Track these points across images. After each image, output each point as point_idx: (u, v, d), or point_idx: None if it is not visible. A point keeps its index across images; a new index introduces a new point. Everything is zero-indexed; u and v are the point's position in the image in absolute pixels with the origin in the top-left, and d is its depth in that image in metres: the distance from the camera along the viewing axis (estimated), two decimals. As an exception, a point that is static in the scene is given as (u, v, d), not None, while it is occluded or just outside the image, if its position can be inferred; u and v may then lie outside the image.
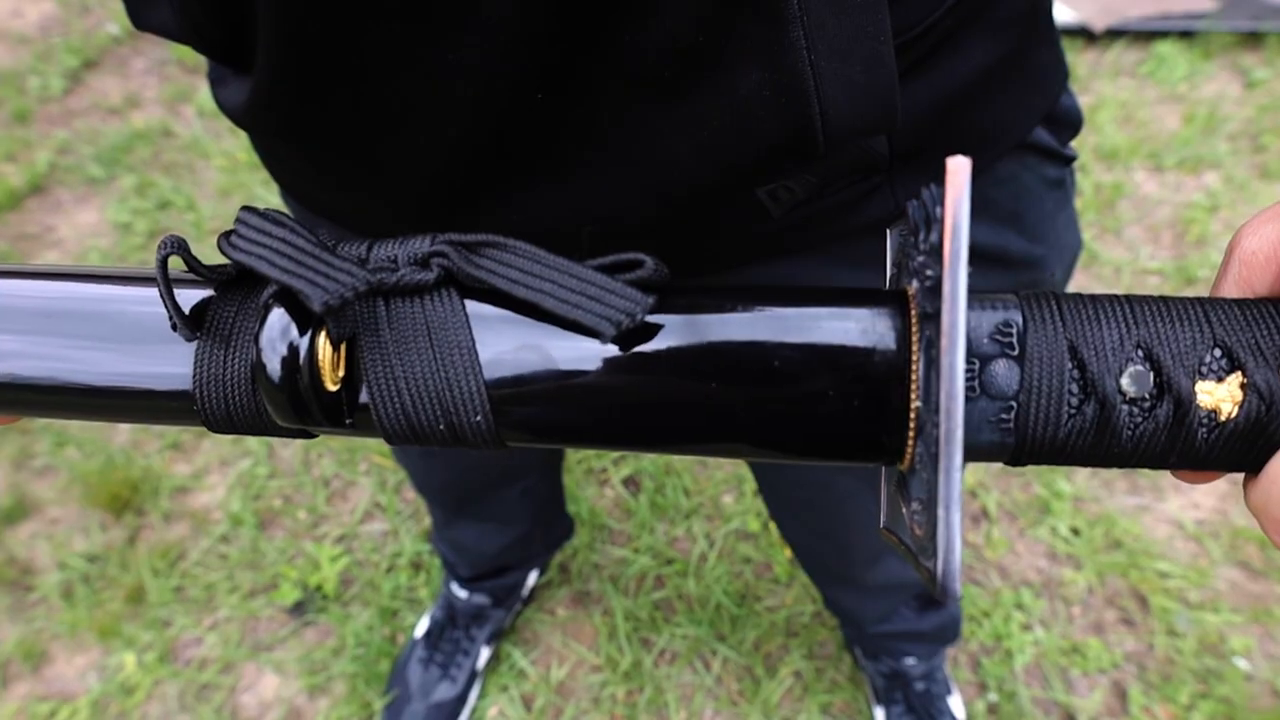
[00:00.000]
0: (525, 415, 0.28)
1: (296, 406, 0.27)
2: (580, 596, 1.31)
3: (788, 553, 1.32)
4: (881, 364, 0.26)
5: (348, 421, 0.28)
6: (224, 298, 0.29)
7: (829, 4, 0.33)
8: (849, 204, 0.46)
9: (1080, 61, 2.09)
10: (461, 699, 1.19)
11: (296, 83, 0.39)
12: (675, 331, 0.27)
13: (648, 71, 0.35)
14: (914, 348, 0.26)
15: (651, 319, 0.27)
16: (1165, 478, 1.38)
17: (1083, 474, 1.40)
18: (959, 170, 0.23)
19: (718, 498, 1.40)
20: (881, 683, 1.15)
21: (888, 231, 0.30)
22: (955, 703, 1.16)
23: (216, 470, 1.47)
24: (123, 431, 1.51)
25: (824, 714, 1.19)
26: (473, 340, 0.27)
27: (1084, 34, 2.16)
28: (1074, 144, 0.56)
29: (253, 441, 1.49)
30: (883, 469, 0.30)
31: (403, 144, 0.40)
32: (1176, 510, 1.35)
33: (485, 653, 1.22)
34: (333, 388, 0.28)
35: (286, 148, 0.48)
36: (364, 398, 0.28)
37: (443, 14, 0.33)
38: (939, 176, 0.24)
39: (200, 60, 2.16)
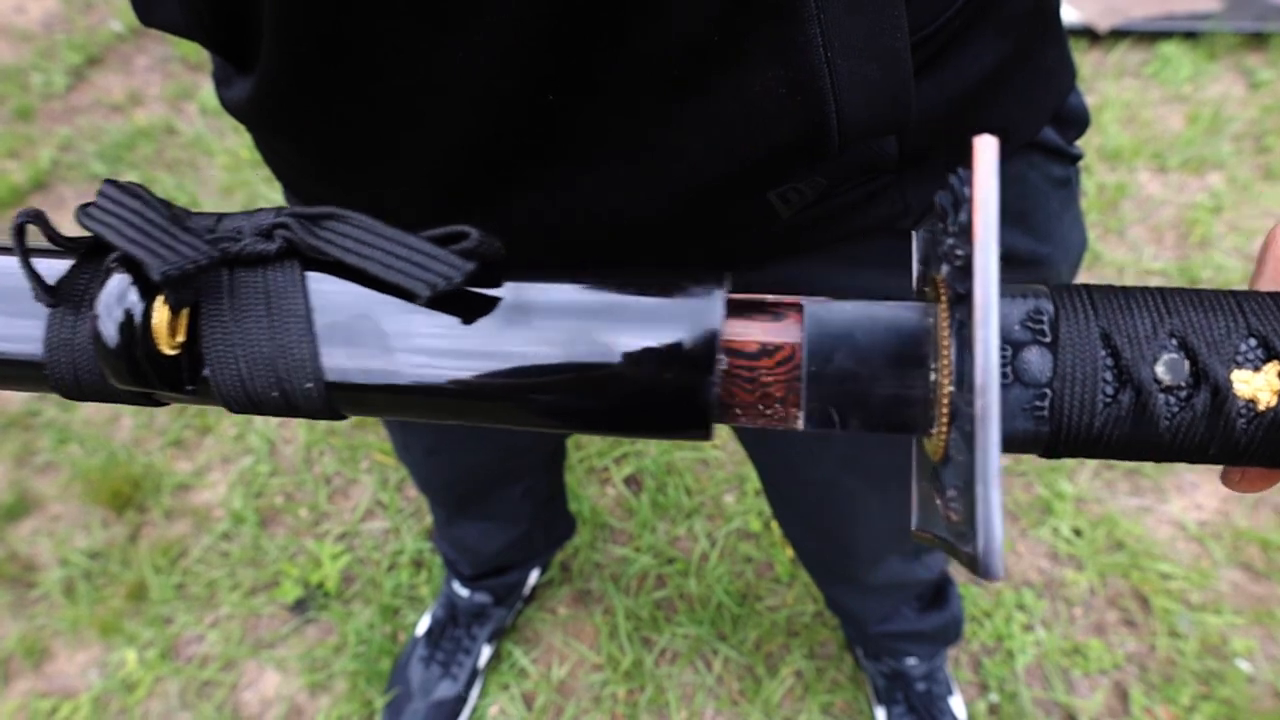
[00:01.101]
0: (355, 384, 0.29)
1: (132, 369, 0.28)
2: (581, 595, 1.31)
3: (789, 552, 1.32)
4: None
5: (188, 388, 0.29)
6: (81, 267, 0.31)
7: (845, 2, 0.33)
8: (856, 205, 0.46)
9: (1084, 62, 2.09)
10: (463, 697, 1.19)
11: (302, 80, 0.39)
12: (497, 305, 0.28)
13: (660, 70, 0.35)
14: (944, 333, 0.26)
15: (488, 292, 0.28)
16: (1167, 478, 1.38)
17: (1085, 475, 1.39)
18: (987, 147, 0.23)
19: (719, 497, 1.40)
20: (883, 683, 1.15)
21: (913, 234, 0.30)
22: (956, 703, 1.16)
23: (218, 468, 1.47)
24: (125, 429, 1.51)
25: (825, 714, 1.19)
26: (309, 309, 0.28)
27: (1088, 34, 2.16)
28: (1078, 143, 0.56)
29: (254, 439, 1.49)
30: (913, 472, 0.30)
31: (410, 143, 0.40)
32: (1179, 511, 1.35)
33: (486, 651, 1.22)
34: (170, 352, 0.28)
35: (291, 145, 0.47)
36: (205, 365, 0.29)
37: (452, 12, 0.33)
38: (965, 160, 0.24)
39: (203, 57, 2.16)
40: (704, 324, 0.27)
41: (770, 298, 0.28)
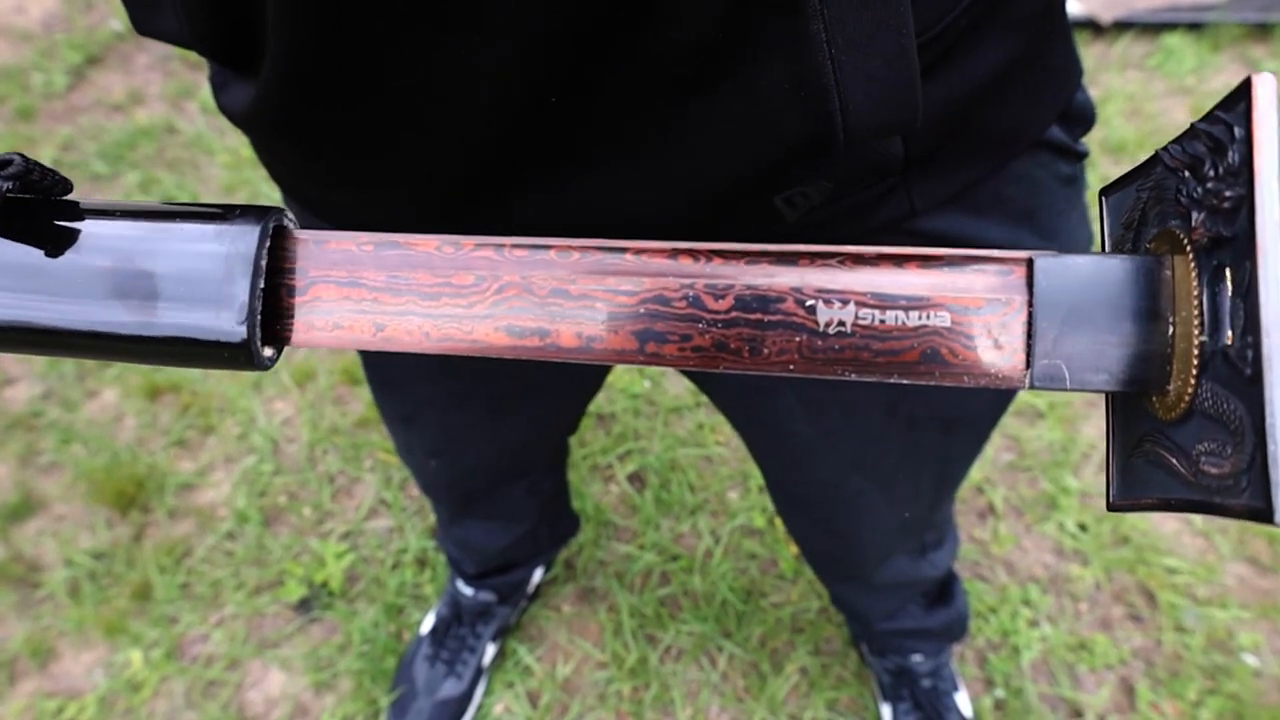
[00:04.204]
0: None
1: None
2: (586, 593, 1.31)
3: (793, 549, 1.32)
4: None
5: None
6: None
7: None
8: (863, 206, 0.46)
9: (1088, 54, 2.08)
10: (467, 696, 1.19)
11: (308, 86, 0.39)
12: (56, 238, 0.31)
13: (666, 70, 0.35)
14: (1190, 282, 0.25)
15: (58, 224, 0.31)
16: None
17: (1090, 470, 1.39)
18: (1265, 84, 0.23)
19: (723, 494, 1.40)
20: (888, 679, 1.15)
21: (1102, 198, 0.30)
22: (962, 699, 1.16)
23: (222, 467, 1.47)
24: (128, 429, 1.51)
25: (830, 710, 1.19)
26: None
27: (1092, 26, 2.15)
28: (1083, 139, 0.56)
29: (257, 438, 1.49)
30: (1112, 438, 0.29)
31: (415, 143, 0.40)
32: (1184, 506, 1.34)
33: (491, 649, 1.22)
34: None
35: (294, 150, 0.47)
36: None
37: (458, 17, 0.33)
38: (1228, 105, 0.24)
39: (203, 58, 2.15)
40: (241, 258, 0.29)
41: (996, 252, 0.28)
